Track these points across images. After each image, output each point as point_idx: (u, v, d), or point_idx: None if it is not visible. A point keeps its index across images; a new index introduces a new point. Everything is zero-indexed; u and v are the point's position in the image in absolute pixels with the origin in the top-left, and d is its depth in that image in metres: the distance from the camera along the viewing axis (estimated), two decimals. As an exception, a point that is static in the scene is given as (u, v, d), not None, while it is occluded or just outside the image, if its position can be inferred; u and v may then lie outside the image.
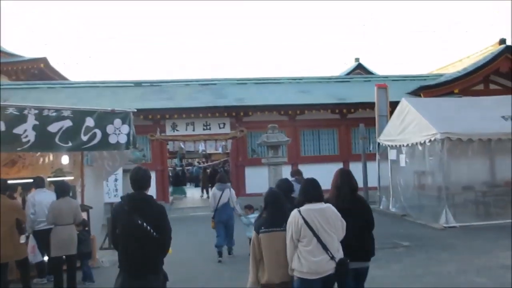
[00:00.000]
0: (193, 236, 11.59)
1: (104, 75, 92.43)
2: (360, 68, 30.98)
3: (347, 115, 19.18)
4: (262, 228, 4.42)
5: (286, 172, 16.48)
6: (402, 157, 12.43)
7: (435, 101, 13.60)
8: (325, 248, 4.14)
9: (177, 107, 17.69)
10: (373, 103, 18.15)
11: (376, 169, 15.25)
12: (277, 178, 16.44)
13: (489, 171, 11.69)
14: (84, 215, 8.29)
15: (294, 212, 4.29)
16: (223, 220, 8.86)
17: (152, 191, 18.52)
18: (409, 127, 11.98)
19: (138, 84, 20.44)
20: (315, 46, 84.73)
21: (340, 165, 17.95)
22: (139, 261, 4.05)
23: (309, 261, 4.11)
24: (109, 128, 8.29)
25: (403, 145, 12.38)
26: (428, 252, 8.46)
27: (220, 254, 8.73)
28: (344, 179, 4.75)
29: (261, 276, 4.40)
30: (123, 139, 8.50)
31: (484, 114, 11.59)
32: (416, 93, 18.93)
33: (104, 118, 8.28)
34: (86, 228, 7.98)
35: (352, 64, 32.02)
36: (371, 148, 16.52)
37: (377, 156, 14.47)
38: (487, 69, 18.83)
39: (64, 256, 7.06)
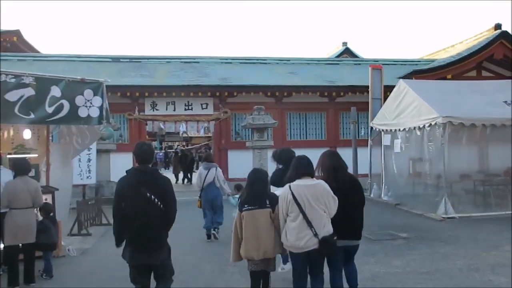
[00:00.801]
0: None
1: (80, 49, 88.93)
2: (347, 53, 30.13)
3: (336, 99, 18.36)
4: (245, 206, 4.54)
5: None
6: (398, 143, 11.67)
7: (435, 83, 12.85)
8: (309, 224, 4.19)
9: (157, 85, 16.64)
10: (364, 87, 17.45)
11: (367, 155, 14.53)
12: (262, 162, 15.63)
13: (490, 159, 10.97)
14: (48, 198, 7.30)
15: (285, 187, 4.39)
16: (208, 199, 8.65)
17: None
18: (407, 110, 11.19)
19: (116, 59, 19.23)
20: (302, 29, 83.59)
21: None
22: (146, 233, 4.09)
23: (292, 237, 4.25)
24: (79, 100, 7.29)
25: (399, 130, 11.61)
26: (430, 246, 7.71)
27: (208, 236, 8.59)
28: (331, 159, 4.78)
29: (242, 251, 4.56)
30: (94, 113, 7.50)
31: (486, 99, 10.88)
32: (408, 77, 18.13)
33: (72, 88, 7.28)
34: (51, 214, 6.95)
35: (339, 48, 31.16)
36: (362, 133, 15.73)
37: (369, 142, 13.71)
38: (481, 55, 18.17)
39: (20, 245, 6.07)
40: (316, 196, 4.26)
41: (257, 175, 4.75)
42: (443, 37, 76.78)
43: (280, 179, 5.30)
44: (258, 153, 15.31)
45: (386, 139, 12.47)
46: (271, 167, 7.04)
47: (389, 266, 6.56)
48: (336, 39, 77.67)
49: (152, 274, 4.40)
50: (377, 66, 13.81)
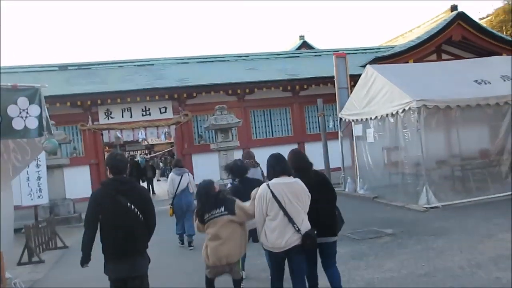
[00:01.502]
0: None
1: (22, 60, 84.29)
2: (305, 46, 29.58)
3: (299, 92, 17.73)
4: (205, 217, 4.70)
5: (238, 157, 14.98)
6: (370, 132, 11.07)
7: (403, 67, 12.34)
8: (291, 221, 4.22)
9: (110, 91, 15.54)
10: (328, 78, 16.85)
11: (337, 148, 13.93)
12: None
13: (465, 142, 10.49)
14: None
15: (263, 186, 4.39)
16: (182, 206, 8.43)
17: (86, 187, 16.31)
18: (377, 97, 10.60)
19: (63, 67, 17.96)
20: (258, 24, 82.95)
21: (294, 147, 16.69)
22: (127, 244, 4.02)
23: (273, 236, 4.26)
24: (12, 110, 6.20)
25: (371, 119, 11.02)
26: (420, 241, 7.08)
27: (181, 241, 8.60)
28: (298, 159, 4.80)
29: (204, 256, 4.71)
30: (32, 124, 6.40)
31: (455, 79, 10.43)
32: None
33: (3, 96, 6.21)
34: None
35: (297, 42, 30.65)
36: (330, 126, 15.13)
37: (339, 134, 13.07)
38: (440, 38, 17.99)
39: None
40: (295, 193, 4.29)
41: (203, 189, 4.87)
42: (400, 23, 77.59)
43: (241, 195, 5.10)
44: (224, 155, 14.49)
45: (357, 130, 11.86)
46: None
47: (382, 270, 5.87)
48: (292, 33, 77.42)
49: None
50: (341, 54, 13.21)
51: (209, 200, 4.75)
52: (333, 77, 16.85)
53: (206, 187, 4.87)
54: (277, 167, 4.44)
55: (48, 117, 6.82)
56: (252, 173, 7.45)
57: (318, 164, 17.65)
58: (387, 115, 10.24)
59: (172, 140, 22.00)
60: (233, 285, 4.81)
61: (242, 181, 5.91)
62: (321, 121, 14.07)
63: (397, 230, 7.97)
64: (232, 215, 4.62)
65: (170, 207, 8.54)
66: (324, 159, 13.78)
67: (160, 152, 39.24)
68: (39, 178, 11.86)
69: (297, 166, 4.67)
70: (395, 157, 10.62)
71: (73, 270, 7.89)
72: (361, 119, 11.52)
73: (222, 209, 4.66)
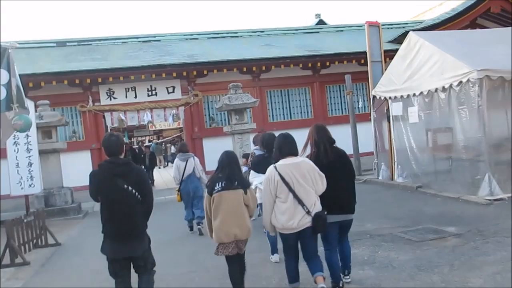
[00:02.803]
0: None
1: (18, 36, 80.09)
2: (321, 25, 27.84)
3: (320, 70, 16.07)
4: (215, 188, 4.44)
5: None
6: (414, 111, 9.39)
7: (453, 34, 10.56)
8: (300, 203, 4.16)
9: (111, 67, 13.97)
10: (352, 54, 15.37)
11: (366, 132, 12.33)
12: (244, 149, 13.26)
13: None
14: None
15: (271, 168, 4.31)
16: (189, 191, 8.21)
17: (87, 174, 14.77)
18: (423, 69, 8.91)
19: (61, 43, 16.38)
20: (272, 2, 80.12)
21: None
22: (125, 226, 4.01)
23: (284, 218, 4.20)
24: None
25: (414, 95, 9.34)
26: (502, 245, 5.46)
27: (191, 227, 8.31)
28: (321, 133, 4.60)
29: (213, 235, 4.48)
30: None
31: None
32: (400, 41, 16.04)
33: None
34: None
35: (313, 21, 28.82)
36: (360, 105, 13.47)
37: (372, 114, 11.39)
38: (477, 10, 16.22)
39: None
40: (303, 173, 4.20)
41: (228, 158, 4.65)
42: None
43: (260, 166, 5.34)
44: (238, 138, 12.90)
45: (395, 109, 10.19)
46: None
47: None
48: (308, 12, 74.16)
49: (133, 267, 4.23)
50: (375, 22, 11.49)
51: (228, 172, 4.51)
52: (358, 53, 15.31)
53: (228, 158, 4.65)
54: (284, 148, 4.34)
55: (20, 85, 5.31)
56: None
57: (348, 148, 16.16)
58: (436, 89, 8.56)
59: (181, 125, 20.51)
60: (238, 263, 4.58)
61: (269, 154, 5.57)
62: (349, 100, 12.44)
63: (462, 229, 6.37)
64: (245, 193, 4.47)
65: (177, 193, 8.36)
66: (353, 143, 12.20)
67: (169, 138, 37.88)
68: (30, 164, 10.37)
69: (325, 138, 4.54)
70: (446, 139, 8.94)
71: (62, 275, 6.48)
72: (401, 96, 9.84)
73: (237, 183, 4.47)
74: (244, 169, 8.28)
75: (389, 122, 10.69)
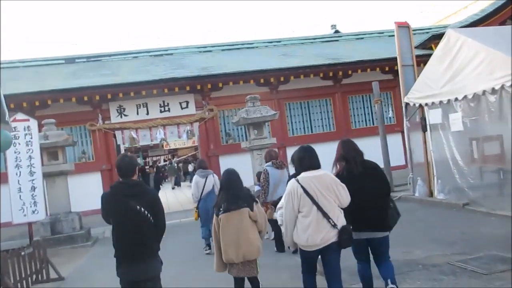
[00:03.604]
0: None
1: (28, 53, 78.32)
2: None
3: (342, 80, 15.14)
4: (221, 209, 4.46)
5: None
6: (456, 118, 8.33)
7: (496, 29, 9.55)
8: (325, 216, 3.97)
9: (121, 83, 13.19)
10: (376, 61, 14.42)
11: (396, 143, 11.30)
12: (264, 166, 12.30)
13: None
14: None
15: (292, 182, 4.15)
16: (208, 209, 7.68)
17: (97, 197, 13.93)
18: (467, 69, 7.86)
19: (70, 60, 15.74)
20: (286, 14, 79.01)
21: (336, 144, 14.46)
22: (138, 247, 3.94)
23: (306, 234, 4.00)
24: None
25: (456, 99, 8.27)
26: None
27: (208, 245, 7.93)
28: (348, 147, 4.46)
29: (222, 256, 4.47)
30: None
31: None
32: (426, 45, 15.07)
33: None
34: None
35: (328, 32, 28.01)
36: (390, 115, 12.42)
37: (405, 123, 10.30)
38: (508, 10, 15.16)
39: None
40: (326, 186, 4.03)
41: (230, 177, 4.65)
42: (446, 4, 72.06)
43: None
44: (258, 155, 11.90)
45: (433, 116, 9.13)
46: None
47: None
48: (324, 24, 73.00)
49: None
50: (403, 23, 10.48)
51: (231, 191, 4.55)
52: (382, 60, 14.40)
53: (230, 177, 4.66)
54: (306, 160, 4.19)
55: (2, 97, 4.46)
56: (278, 177, 7.15)
57: (378, 162, 15.09)
58: (484, 92, 7.50)
59: (196, 144, 19.63)
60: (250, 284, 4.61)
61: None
62: (378, 109, 11.40)
63: (535, 255, 5.28)
64: (251, 210, 4.49)
65: (195, 211, 8.21)
66: (383, 156, 11.14)
67: (184, 157, 37.15)
68: (33, 188, 9.51)
69: (353, 152, 4.40)
70: (495, 148, 7.86)
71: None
72: (440, 102, 8.77)
73: (242, 202, 4.49)
74: (256, 188, 8.29)
75: (425, 132, 9.64)
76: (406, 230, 6.89)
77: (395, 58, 10.68)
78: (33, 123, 9.63)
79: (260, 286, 4.66)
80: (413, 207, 9.34)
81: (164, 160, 40.13)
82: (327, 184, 4.02)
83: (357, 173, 4.22)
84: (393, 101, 15.09)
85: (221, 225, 4.44)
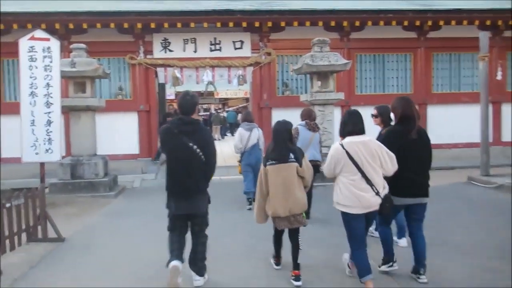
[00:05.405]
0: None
1: None
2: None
3: (428, 33, 12.60)
4: (269, 160, 4.35)
5: (339, 114, 10.62)
6: None
7: None
8: (369, 183, 3.83)
9: (168, 10, 11.26)
10: (474, 11, 11.88)
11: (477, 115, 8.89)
12: (326, 126, 10.22)
13: None
14: None
15: (336, 146, 4.00)
16: (252, 163, 7.71)
17: (131, 141, 12.42)
18: None
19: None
20: None
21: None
22: (189, 183, 4.05)
23: (354, 194, 3.86)
24: None
25: None
26: None
27: (249, 201, 7.57)
28: (407, 107, 4.18)
29: (268, 208, 4.38)
30: None
31: None
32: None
33: None
34: None
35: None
36: (499, 77, 9.91)
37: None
38: None
39: None
40: (372, 152, 3.86)
41: (280, 127, 4.48)
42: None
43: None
44: (320, 111, 9.83)
45: None
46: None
47: None
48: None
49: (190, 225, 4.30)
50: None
51: (280, 143, 4.37)
52: (484, 11, 11.71)
53: (280, 128, 4.45)
54: (353, 124, 3.97)
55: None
56: (308, 139, 6.63)
57: (460, 137, 12.59)
58: None
59: (248, 95, 17.61)
60: (292, 238, 4.41)
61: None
62: (483, 68, 8.90)
63: None
64: (300, 166, 4.30)
65: (239, 164, 8.09)
66: (482, 129, 8.76)
67: (234, 107, 35.54)
68: (49, 123, 7.81)
69: (412, 113, 4.12)
70: None
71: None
72: None
73: (292, 156, 4.30)
74: None
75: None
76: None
77: (506, 11, 8.16)
78: (54, 44, 7.74)
79: (299, 240, 4.42)
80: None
81: (215, 109, 38.76)
82: (372, 150, 3.87)
83: (411, 140, 4.02)
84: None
85: (268, 177, 4.33)
